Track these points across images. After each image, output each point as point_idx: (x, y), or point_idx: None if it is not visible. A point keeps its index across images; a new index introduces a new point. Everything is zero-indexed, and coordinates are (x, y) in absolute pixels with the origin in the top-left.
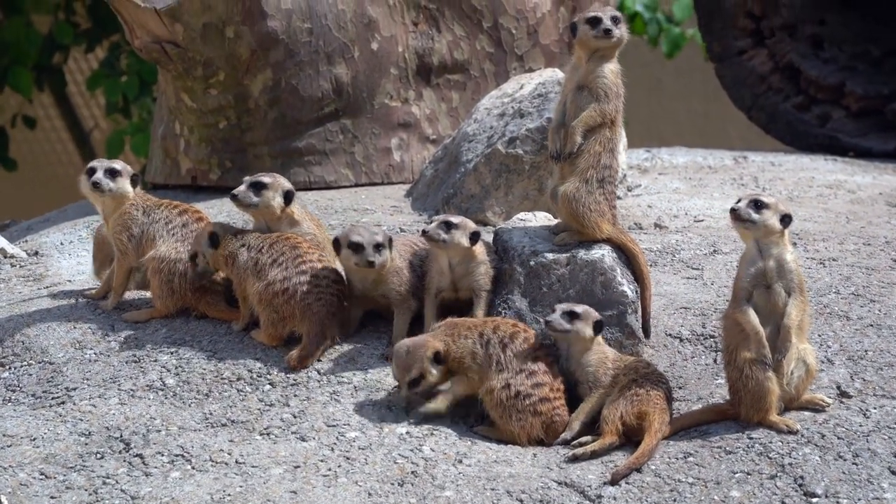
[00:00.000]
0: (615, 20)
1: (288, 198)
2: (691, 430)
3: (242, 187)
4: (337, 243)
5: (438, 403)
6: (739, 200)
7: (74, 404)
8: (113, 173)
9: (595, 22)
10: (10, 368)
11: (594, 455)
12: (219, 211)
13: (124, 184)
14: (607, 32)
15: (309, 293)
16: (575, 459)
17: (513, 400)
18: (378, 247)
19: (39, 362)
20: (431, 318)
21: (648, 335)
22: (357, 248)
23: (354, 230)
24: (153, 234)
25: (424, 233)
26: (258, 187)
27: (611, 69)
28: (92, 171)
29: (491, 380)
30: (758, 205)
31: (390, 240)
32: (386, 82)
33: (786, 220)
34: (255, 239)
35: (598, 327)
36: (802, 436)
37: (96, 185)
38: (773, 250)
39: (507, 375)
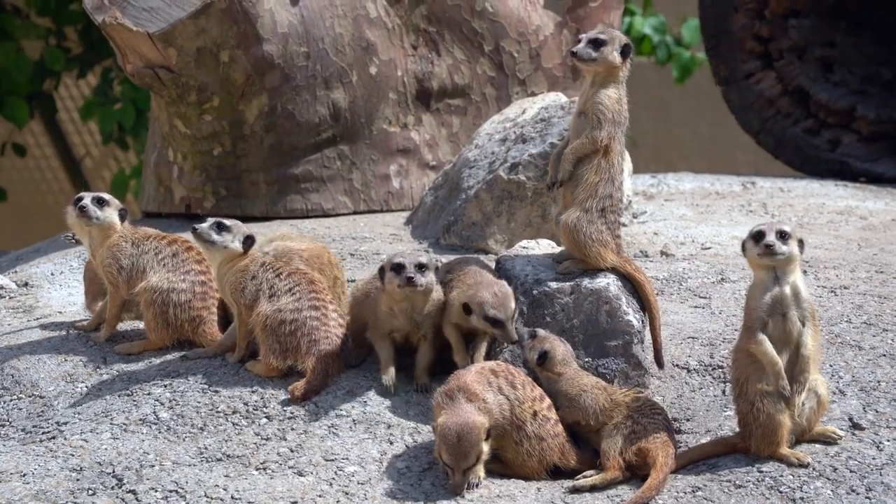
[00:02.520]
0: (594, 42)
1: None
2: (700, 463)
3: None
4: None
5: (479, 472)
6: (764, 235)
7: (65, 439)
8: (101, 202)
9: (576, 44)
10: None
11: (594, 489)
12: None
13: (112, 214)
14: (573, 54)
15: (317, 329)
16: (575, 491)
17: (539, 428)
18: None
19: (30, 396)
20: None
21: (662, 366)
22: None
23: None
24: (143, 266)
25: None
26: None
27: (609, 94)
28: (79, 199)
29: (515, 419)
30: (784, 235)
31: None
32: (385, 107)
33: (801, 245)
34: (271, 262)
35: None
36: (814, 469)
37: (83, 210)
38: (789, 277)
39: (529, 404)
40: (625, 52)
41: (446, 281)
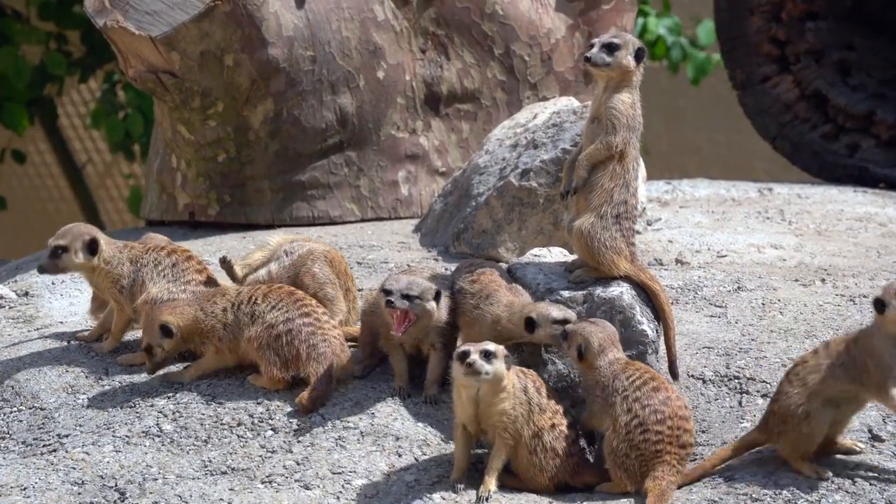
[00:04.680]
0: (608, 47)
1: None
2: (716, 476)
3: None
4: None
5: (490, 485)
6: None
7: (67, 452)
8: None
9: (589, 48)
10: None
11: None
12: (217, 248)
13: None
14: (587, 60)
15: (313, 334)
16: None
17: (555, 441)
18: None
19: (30, 408)
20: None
21: (677, 377)
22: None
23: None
24: (143, 279)
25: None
26: None
27: (622, 99)
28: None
29: (533, 425)
30: None
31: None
32: (393, 112)
33: None
34: (241, 295)
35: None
36: (833, 482)
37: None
38: None
39: (549, 415)
40: (638, 56)
41: (474, 292)
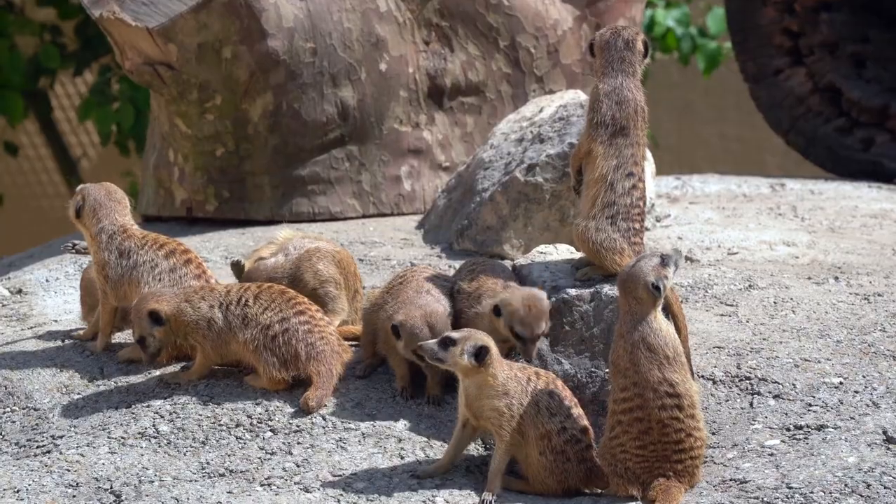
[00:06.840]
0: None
1: None
2: (727, 479)
3: None
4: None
5: (492, 487)
6: None
7: (61, 453)
8: None
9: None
10: None
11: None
12: (216, 244)
13: None
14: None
15: (310, 332)
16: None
17: (566, 445)
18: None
19: (24, 408)
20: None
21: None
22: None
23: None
24: (137, 279)
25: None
26: None
27: (593, 91)
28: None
29: (541, 427)
30: None
31: None
32: (395, 106)
33: None
34: (230, 295)
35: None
36: (846, 485)
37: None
38: None
39: (560, 419)
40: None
41: (471, 291)
